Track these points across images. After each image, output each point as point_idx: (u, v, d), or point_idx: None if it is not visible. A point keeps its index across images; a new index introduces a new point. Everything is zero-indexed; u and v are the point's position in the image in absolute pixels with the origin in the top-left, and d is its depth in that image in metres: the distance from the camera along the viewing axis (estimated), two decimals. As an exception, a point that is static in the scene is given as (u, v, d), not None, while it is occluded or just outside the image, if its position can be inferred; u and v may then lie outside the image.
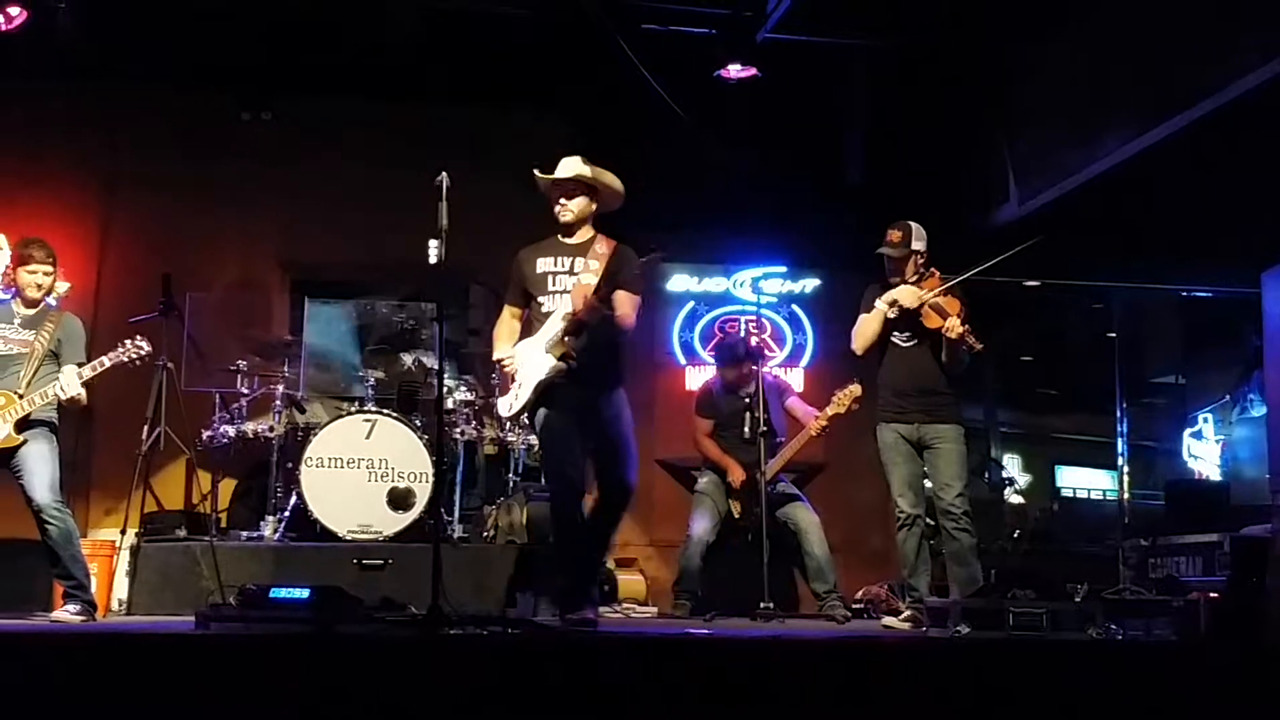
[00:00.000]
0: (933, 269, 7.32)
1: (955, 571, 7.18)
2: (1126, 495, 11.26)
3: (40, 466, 6.88)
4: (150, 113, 10.09)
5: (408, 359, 9.05)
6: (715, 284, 11.09)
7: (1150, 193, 9.08)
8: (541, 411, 6.55)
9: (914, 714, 4.57)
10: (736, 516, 8.53)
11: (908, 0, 8.84)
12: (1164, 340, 12.71)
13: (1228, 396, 12.60)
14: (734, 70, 9.09)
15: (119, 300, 9.53)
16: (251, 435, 8.85)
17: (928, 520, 7.38)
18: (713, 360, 9.87)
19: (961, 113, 9.88)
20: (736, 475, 8.50)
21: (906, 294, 7.18)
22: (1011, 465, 14.40)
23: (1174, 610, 6.83)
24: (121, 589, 8.23)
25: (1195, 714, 4.70)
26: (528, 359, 6.58)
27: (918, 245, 7.33)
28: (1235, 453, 12.29)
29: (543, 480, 6.80)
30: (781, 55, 9.04)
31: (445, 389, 7.01)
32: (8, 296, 7.21)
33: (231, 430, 8.86)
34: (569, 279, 6.59)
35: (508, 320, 6.85)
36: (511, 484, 8.92)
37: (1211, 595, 6.69)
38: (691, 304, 11.04)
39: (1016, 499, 13.22)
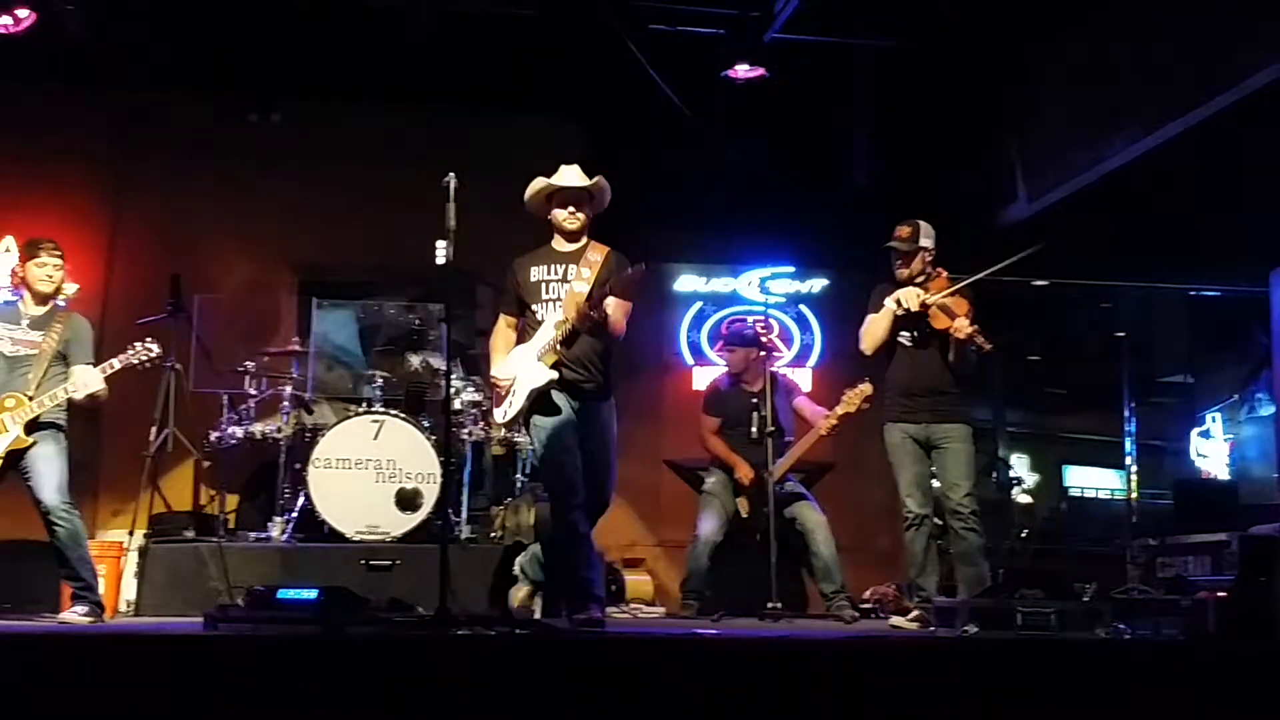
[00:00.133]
0: (940, 269, 7.31)
1: (963, 571, 7.16)
2: (1134, 495, 11.22)
3: (49, 468, 6.88)
4: (159, 115, 10.12)
5: (415, 360, 9.05)
6: (723, 284, 11.10)
7: (1158, 192, 9.07)
8: (535, 417, 6.57)
9: (922, 714, 4.57)
10: (744, 515, 8.52)
11: (915, 1, 8.83)
12: (1172, 340, 12.67)
13: (1236, 396, 12.60)
14: (742, 70, 9.10)
15: (127, 302, 9.54)
16: (259, 436, 8.86)
17: (936, 520, 7.36)
18: (722, 352, 9.81)
19: (969, 113, 9.88)
20: (744, 473, 8.49)
21: (910, 295, 7.17)
22: (1019, 465, 14.36)
23: (1182, 610, 6.81)
24: (129, 590, 8.23)
25: (1203, 714, 4.70)
26: (521, 366, 6.61)
27: (926, 243, 7.32)
28: (1243, 452, 12.29)
29: (542, 484, 6.81)
30: (789, 55, 9.05)
31: (453, 390, 7.01)
32: (15, 298, 7.21)
33: (239, 431, 8.87)
34: (562, 287, 6.62)
35: (503, 330, 6.87)
36: (519, 484, 8.91)
37: (1220, 595, 6.68)
38: (699, 304, 11.06)
39: (1024, 498, 13.18)
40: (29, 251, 7.16)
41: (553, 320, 6.54)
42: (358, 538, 8.23)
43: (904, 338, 7.30)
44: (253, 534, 8.72)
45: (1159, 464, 13.20)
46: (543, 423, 6.53)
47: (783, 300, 10.96)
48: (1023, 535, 11.14)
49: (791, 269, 11.00)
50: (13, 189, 9.82)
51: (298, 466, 8.58)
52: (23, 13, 8.32)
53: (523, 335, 6.73)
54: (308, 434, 8.73)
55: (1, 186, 9.84)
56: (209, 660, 4.48)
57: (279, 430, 8.78)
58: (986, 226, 10.20)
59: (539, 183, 6.77)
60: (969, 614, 6.37)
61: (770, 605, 7.73)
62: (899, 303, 7.18)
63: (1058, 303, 11.94)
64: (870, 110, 10.07)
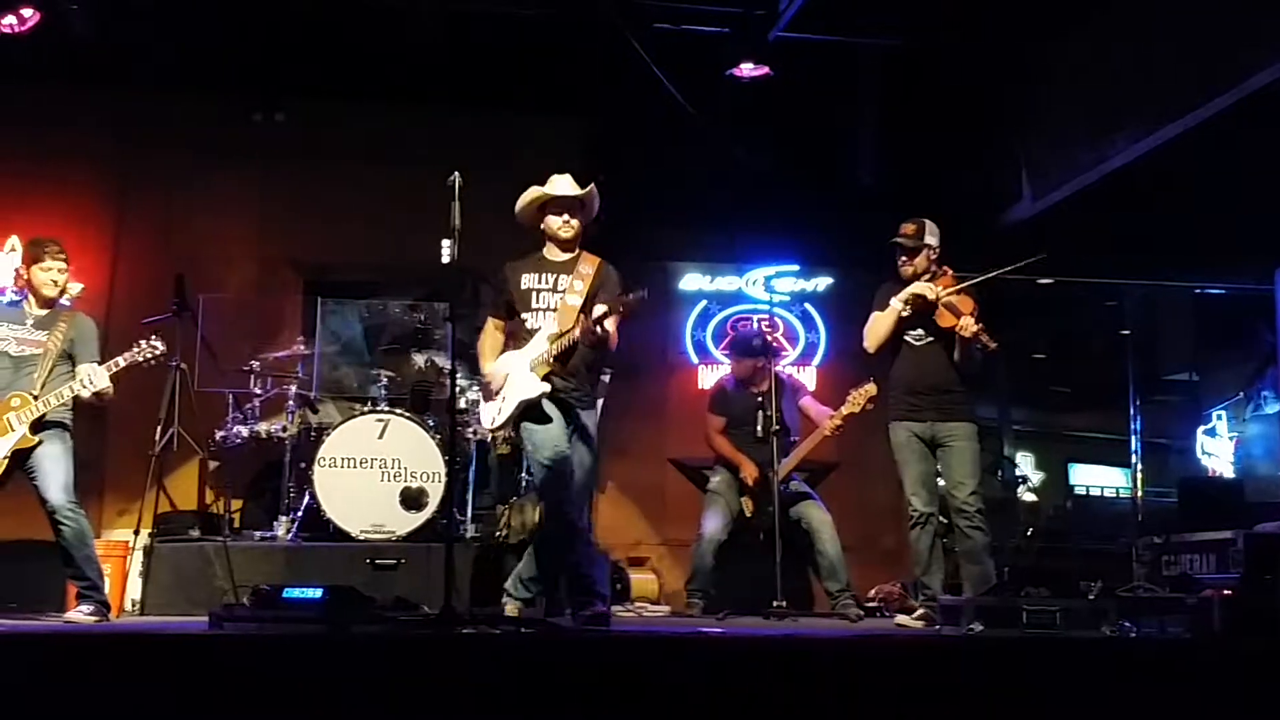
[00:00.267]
0: (945, 267, 7.32)
1: (968, 570, 7.17)
2: (1140, 493, 11.23)
3: (54, 467, 6.89)
4: (163, 114, 10.12)
5: (420, 359, 9.07)
6: (728, 283, 11.10)
7: (1163, 190, 9.07)
8: (526, 423, 6.66)
9: (927, 713, 4.56)
10: (749, 514, 8.52)
11: (920, 0, 8.83)
12: (1177, 337, 12.67)
13: (1241, 393, 12.57)
14: (746, 69, 9.09)
15: (132, 301, 9.56)
16: (264, 435, 8.88)
17: (941, 518, 7.37)
18: (727, 356, 9.87)
19: (973, 112, 9.87)
20: (750, 472, 8.49)
21: (923, 286, 7.16)
22: (1024, 463, 14.37)
23: (1188, 608, 6.79)
24: (135, 589, 8.23)
25: (1209, 712, 4.69)
26: (512, 374, 6.67)
27: (931, 240, 7.32)
28: (1249, 450, 12.27)
29: (537, 486, 6.83)
30: (794, 54, 9.04)
31: (457, 389, 7.02)
32: (19, 298, 7.21)
33: (245, 431, 8.89)
34: (553, 296, 6.71)
35: (492, 333, 6.94)
36: (524, 483, 8.90)
37: (1225, 593, 6.66)
38: (704, 303, 11.05)
39: (1030, 497, 13.19)
40: (33, 255, 7.14)
41: (546, 332, 6.63)
42: (363, 537, 8.24)
43: (909, 336, 7.30)
44: (258, 533, 8.73)
45: (1164, 462, 13.19)
46: (534, 428, 6.63)
47: (787, 299, 10.95)
48: (1028, 533, 11.14)
49: (796, 268, 10.99)
50: (17, 188, 9.84)
51: (303, 466, 8.60)
52: (28, 12, 8.32)
53: (510, 339, 6.83)
54: (313, 433, 8.75)
55: (6, 186, 9.86)
56: (214, 660, 4.48)
57: (284, 429, 8.80)
58: (991, 225, 10.20)
59: (532, 192, 6.82)
60: (974, 612, 6.36)
61: (775, 604, 7.73)
62: (907, 301, 7.19)
63: (1063, 301, 11.95)
64: (875, 109, 10.05)
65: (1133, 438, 11.33)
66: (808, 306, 11.09)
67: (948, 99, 9.64)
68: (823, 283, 11.06)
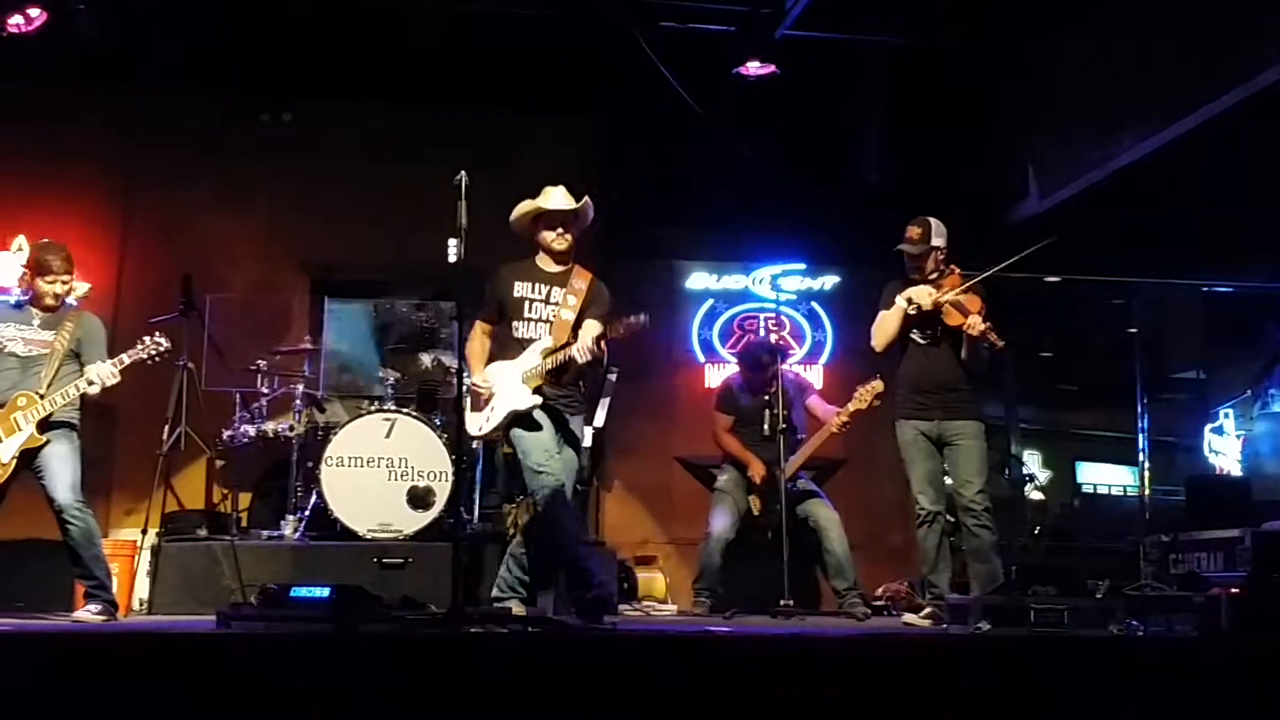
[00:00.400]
0: (952, 266, 7.31)
1: (976, 568, 7.16)
2: (1147, 491, 11.18)
3: (62, 467, 6.89)
4: (170, 114, 10.13)
5: (427, 358, 9.09)
6: (734, 281, 11.08)
7: (1170, 187, 9.06)
8: (516, 430, 6.77)
9: (934, 712, 4.56)
10: (756, 512, 8.52)
11: (926, -2, 8.84)
12: (1185, 335, 12.64)
13: (1249, 391, 12.54)
14: (753, 68, 9.08)
15: (139, 301, 9.56)
16: (272, 435, 8.89)
17: (948, 517, 7.36)
18: (735, 360, 9.86)
19: (979, 110, 9.86)
20: (757, 470, 8.49)
21: (922, 294, 7.16)
22: (1032, 461, 14.32)
23: (1195, 606, 6.79)
24: (142, 588, 8.24)
25: (1216, 710, 4.68)
26: (503, 385, 6.74)
27: (937, 241, 7.31)
28: (1257, 448, 12.23)
29: (531, 488, 6.80)
30: (800, 52, 9.04)
31: (464, 388, 7.03)
32: (25, 298, 7.21)
33: (252, 430, 8.90)
34: (545, 308, 6.82)
35: (479, 337, 7.00)
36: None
37: (1233, 591, 6.66)
38: (710, 301, 11.04)
39: (1037, 495, 13.16)
40: (39, 265, 7.09)
41: (540, 345, 6.73)
42: (370, 536, 8.24)
43: (916, 335, 7.29)
44: (265, 532, 8.74)
45: (1172, 460, 13.15)
46: (524, 434, 6.76)
47: (794, 297, 10.94)
48: (1035, 532, 11.11)
49: (802, 266, 10.98)
50: (23, 189, 9.84)
51: (310, 465, 8.60)
52: (35, 12, 8.33)
53: (498, 345, 6.92)
54: (320, 432, 8.75)
55: (12, 186, 9.86)
56: (222, 659, 4.48)
57: (291, 429, 8.80)
58: (997, 223, 10.18)
59: (526, 205, 6.88)
60: (982, 611, 6.36)
61: (783, 603, 7.73)
62: (910, 300, 7.18)
63: (1069, 299, 11.91)
64: (881, 108, 10.06)
65: (1140, 436, 11.27)
66: (814, 305, 11.08)
67: (953, 97, 9.64)
68: (829, 281, 11.05)
